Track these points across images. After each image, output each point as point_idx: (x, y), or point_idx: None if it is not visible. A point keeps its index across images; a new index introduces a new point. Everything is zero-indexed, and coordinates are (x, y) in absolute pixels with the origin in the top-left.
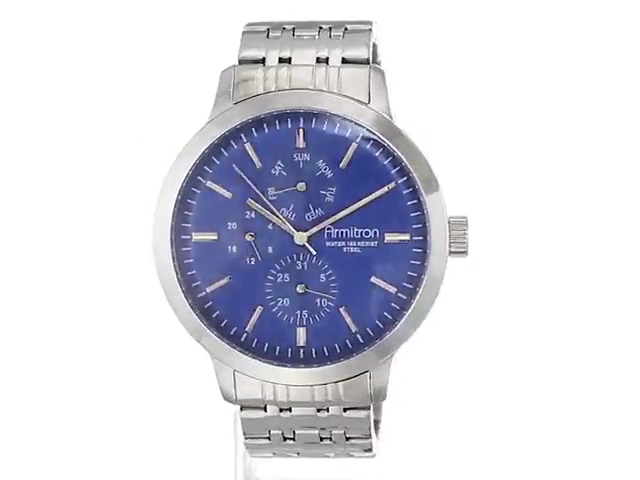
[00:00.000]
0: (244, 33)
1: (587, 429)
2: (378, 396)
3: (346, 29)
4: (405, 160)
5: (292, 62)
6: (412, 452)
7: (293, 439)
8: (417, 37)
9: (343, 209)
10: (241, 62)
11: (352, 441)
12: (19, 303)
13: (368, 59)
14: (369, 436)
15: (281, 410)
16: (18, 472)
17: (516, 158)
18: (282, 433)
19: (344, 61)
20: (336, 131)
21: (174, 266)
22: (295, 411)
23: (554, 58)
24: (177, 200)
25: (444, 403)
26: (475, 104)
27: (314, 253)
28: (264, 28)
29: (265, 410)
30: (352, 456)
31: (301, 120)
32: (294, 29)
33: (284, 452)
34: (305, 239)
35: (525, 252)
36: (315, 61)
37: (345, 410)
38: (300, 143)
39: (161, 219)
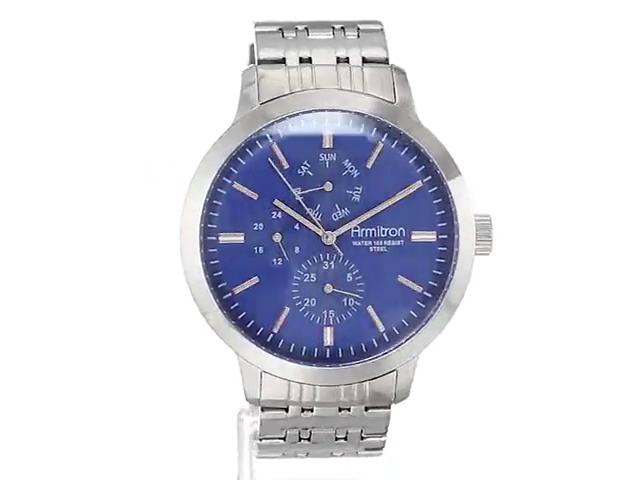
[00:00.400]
0: (259, 33)
1: (608, 435)
2: (402, 395)
3: (359, 29)
4: (432, 159)
5: (313, 62)
6: (412, 452)
7: (308, 439)
8: (414, 36)
9: (370, 209)
10: (261, 62)
11: (366, 440)
12: (36, 303)
13: (387, 59)
14: (384, 434)
15: (303, 410)
16: (14, 469)
17: (520, 157)
18: (299, 433)
19: (364, 61)
20: (362, 131)
21: (202, 267)
22: (317, 411)
23: (558, 52)
24: (205, 202)
25: (445, 403)
26: (476, 103)
27: (342, 253)
28: (276, 28)
29: (287, 411)
30: (359, 455)
31: (326, 120)
32: (307, 29)
33: (294, 453)
34: (334, 239)
35: (537, 251)
36: (335, 61)
37: (366, 409)
38: (326, 143)
39: (189, 221)
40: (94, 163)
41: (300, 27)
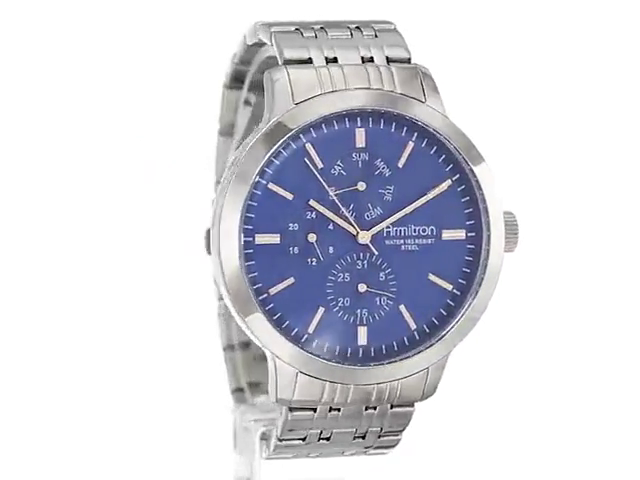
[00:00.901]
0: (277, 33)
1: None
2: (429, 393)
3: (374, 29)
4: (463, 156)
5: (339, 62)
6: (411, 452)
7: (328, 438)
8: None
9: (402, 208)
10: (286, 63)
11: (382, 438)
12: (50, 303)
13: (410, 58)
14: (402, 432)
15: (330, 410)
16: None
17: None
18: (320, 433)
19: (388, 60)
20: (393, 130)
21: (240, 268)
22: (344, 410)
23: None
24: (245, 204)
25: (445, 403)
26: (476, 103)
27: (376, 253)
28: (293, 28)
29: (315, 411)
30: (367, 454)
31: (358, 119)
32: (323, 29)
33: (306, 453)
34: (369, 238)
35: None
36: (361, 61)
37: (392, 407)
38: (359, 142)
39: (230, 222)
40: (94, 163)
41: (316, 27)
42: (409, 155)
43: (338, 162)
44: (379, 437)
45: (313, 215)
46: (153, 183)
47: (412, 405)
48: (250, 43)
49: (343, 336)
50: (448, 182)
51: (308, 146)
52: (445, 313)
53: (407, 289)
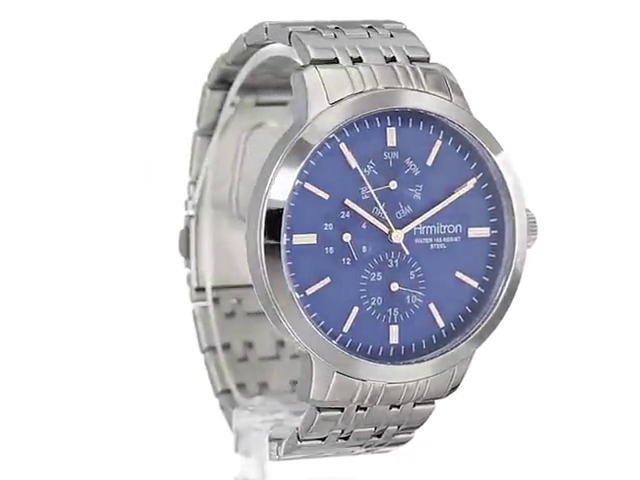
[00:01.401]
0: (298, 33)
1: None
2: (453, 390)
3: (386, 29)
4: (489, 154)
5: (364, 61)
6: (410, 451)
7: (346, 438)
8: None
9: (431, 206)
10: (313, 63)
11: (397, 436)
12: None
13: (429, 58)
14: (417, 429)
15: (357, 409)
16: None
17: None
18: (341, 432)
19: (410, 60)
20: (421, 128)
21: (287, 270)
22: (370, 410)
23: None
24: (288, 205)
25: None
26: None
27: (407, 252)
28: (309, 28)
29: (342, 410)
30: (374, 452)
31: (388, 118)
32: (338, 28)
33: (319, 453)
34: (402, 237)
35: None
36: (385, 61)
37: (415, 405)
38: (390, 142)
39: (273, 223)
40: (64, 162)
41: (331, 27)
42: (437, 154)
43: (370, 161)
44: (394, 435)
45: (347, 215)
46: (126, 184)
47: (433, 402)
48: (250, 43)
49: (376, 335)
50: (473, 180)
51: (342, 146)
52: (470, 310)
53: (436, 287)
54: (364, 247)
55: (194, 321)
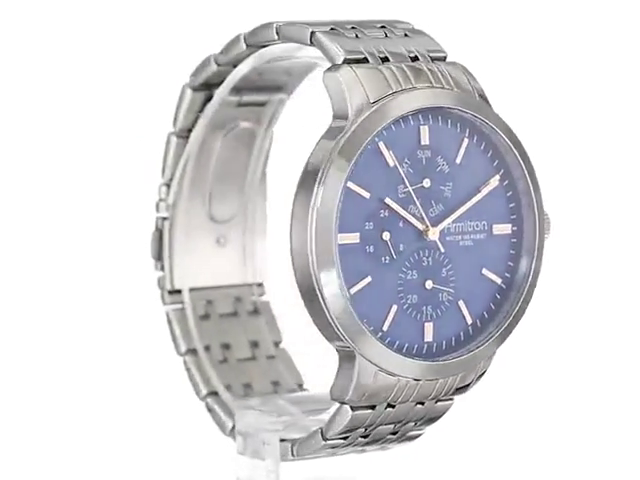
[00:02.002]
0: (320, 33)
1: None
2: (473, 385)
3: (398, 28)
4: (511, 149)
5: (391, 61)
6: (410, 451)
7: (366, 436)
8: None
9: (460, 203)
10: (345, 62)
11: (410, 432)
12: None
13: (446, 56)
14: (431, 424)
15: (386, 407)
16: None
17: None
18: (364, 430)
19: (432, 59)
20: (450, 126)
21: (338, 270)
22: (399, 407)
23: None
24: (338, 205)
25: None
26: None
27: (442, 249)
28: (328, 28)
29: (373, 408)
30: (384, 449)
31: (420, 117)
32: (354, 28)
33: (332, 453)
34: (437, 235)
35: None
36: (410, 60)
37: (437, 401)
38: (424, 140)
39: (325, 224)
40: (35, 162)
41: (347, 26)
42: (464, 151)
43: (406, 160)
44: (408, 432)
45: (386, 213)
46: (97, 184)
47: (452, 398)
48: (251, 43)
49: (412, 333)
50: (497, 177)
51: (381, 145)
52: (494, 307)
53: (465, 284)
54: (401, 245)
55: (169, 324)
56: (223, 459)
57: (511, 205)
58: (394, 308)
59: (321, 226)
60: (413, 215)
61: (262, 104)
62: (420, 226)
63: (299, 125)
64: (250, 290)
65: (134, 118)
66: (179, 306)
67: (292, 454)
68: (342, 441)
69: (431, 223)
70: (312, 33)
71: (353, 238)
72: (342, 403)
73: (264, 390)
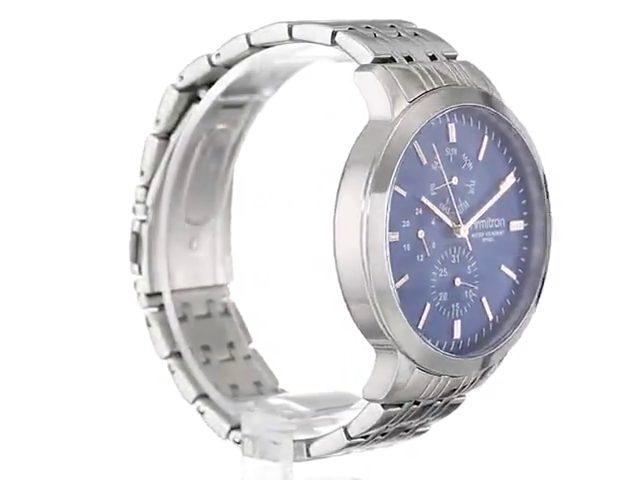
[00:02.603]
0: (343, 32)
1: None
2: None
3: (405, 27)
4: (525, 145)
5: (414, 60)
6: (410, 451)
7: (384, 434)
8: None
9: (483, 201)
10: (375, 62)
11: (419, 428)
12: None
13: (457, 55)
14: (441, 419)
15: (413, 404)
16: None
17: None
18: (385, 428)
19: (447, 57)
20: (472, 124)
21: (389, 268)
22: (423, 403)
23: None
24: (387, 206)
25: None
26: None
27: (470, 247)
28: (346, 27)
29: (401, 406)
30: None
31: (447, 115)
32: (369, 28)
33: (347, 451)
34: (467, 232)
35: None
36: (430, 59)
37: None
38: (452, 138)
39: (378, 224)
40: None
41: (362, 25)
42: (485, 149)
43: (436, 157)
44: (417, 427)
45: (420, 211)
46: (74, 185)
47: (465, 395)
48: (256, 44)
49: (443, 330)
50: (512, 174)
51: (415, 143)
52: (510, 303)
53: (487, 281)
54: (434, 243)
55: (148, 327)
56: (220, 463)
57: (523, 202)
58: (428, 306)
59: (373, 229)
60: (445, 212)
61: (240, 106)
62: (451, 224)
63: (269, 128)
64: (221, 291)
65: (106, 121)
66: (156, 309)
67: (307, 454)
68: (363, 439)
69: (459, 221)
70: (334, 33)
71: (394, 237)
72: (373, 401)
73: (249, 391)
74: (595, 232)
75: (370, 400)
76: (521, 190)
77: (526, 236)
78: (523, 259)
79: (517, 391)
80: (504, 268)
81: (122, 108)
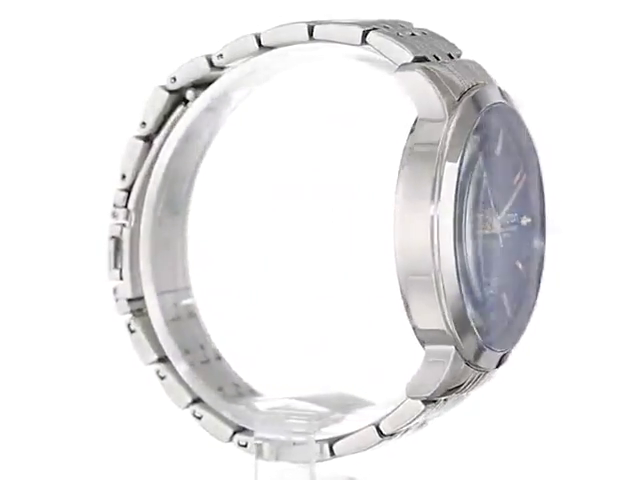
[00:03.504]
0: (374, 31)
1: None
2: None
3: (413, 28)
4: (530, 140)
5: (440, 59)
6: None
7: (407, 430)
8: None
9: (505, 196)
10: (414, 61)
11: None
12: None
13: (461, 54)
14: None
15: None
16: None
17: None
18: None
19: (458, 57)
20: (494, 119)
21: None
22: (450, 398)
23: None
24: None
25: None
26: None
27: (501, 243)
28: (371, 27)
29: (435, 401)
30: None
31: (484, 113)
32: (386, 27)
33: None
34: (500, 227)
35: None
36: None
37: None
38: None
39: (446, 229)
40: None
41: (381, 25)
42: (502, 144)
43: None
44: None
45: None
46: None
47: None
48: (267, 44)
49: (480, 327)
50: (521, 169)
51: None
52: (521, 299)
53: (505, 276)
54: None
55: (131, 333)
56: (218, 467)
57: (530, 197)
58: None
59: (443, 233)
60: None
61: (217, 108)
62: (490, 219)
63: (238, 130)
64: (187, 293)
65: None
66: (139, 314)
67: (331, 453)
68: (390, 437)
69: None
70: (365, 33)
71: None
72: (418, 398)
73: (232, 393)
74: (595, 232)
75: (415, 397)
76: (527, 185)
77: (531, 232)
78: (529, 253)
79: (517, 391)
80: (518, 263)
81: (95, 113)
